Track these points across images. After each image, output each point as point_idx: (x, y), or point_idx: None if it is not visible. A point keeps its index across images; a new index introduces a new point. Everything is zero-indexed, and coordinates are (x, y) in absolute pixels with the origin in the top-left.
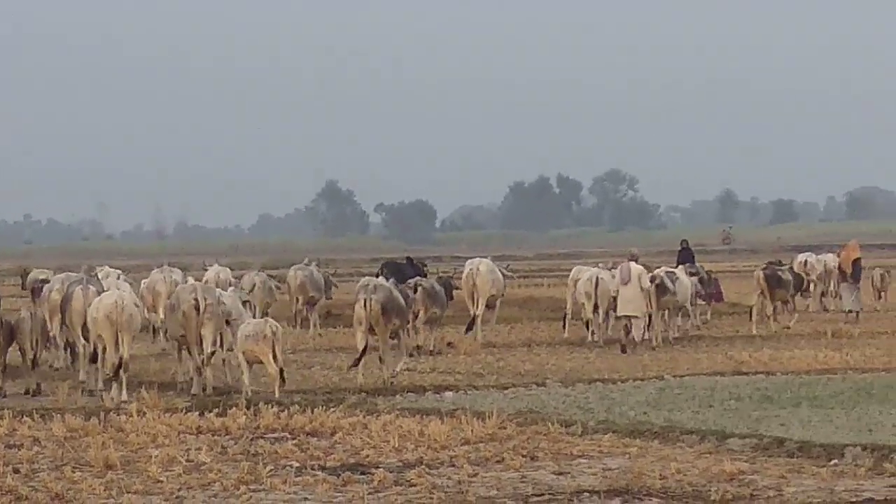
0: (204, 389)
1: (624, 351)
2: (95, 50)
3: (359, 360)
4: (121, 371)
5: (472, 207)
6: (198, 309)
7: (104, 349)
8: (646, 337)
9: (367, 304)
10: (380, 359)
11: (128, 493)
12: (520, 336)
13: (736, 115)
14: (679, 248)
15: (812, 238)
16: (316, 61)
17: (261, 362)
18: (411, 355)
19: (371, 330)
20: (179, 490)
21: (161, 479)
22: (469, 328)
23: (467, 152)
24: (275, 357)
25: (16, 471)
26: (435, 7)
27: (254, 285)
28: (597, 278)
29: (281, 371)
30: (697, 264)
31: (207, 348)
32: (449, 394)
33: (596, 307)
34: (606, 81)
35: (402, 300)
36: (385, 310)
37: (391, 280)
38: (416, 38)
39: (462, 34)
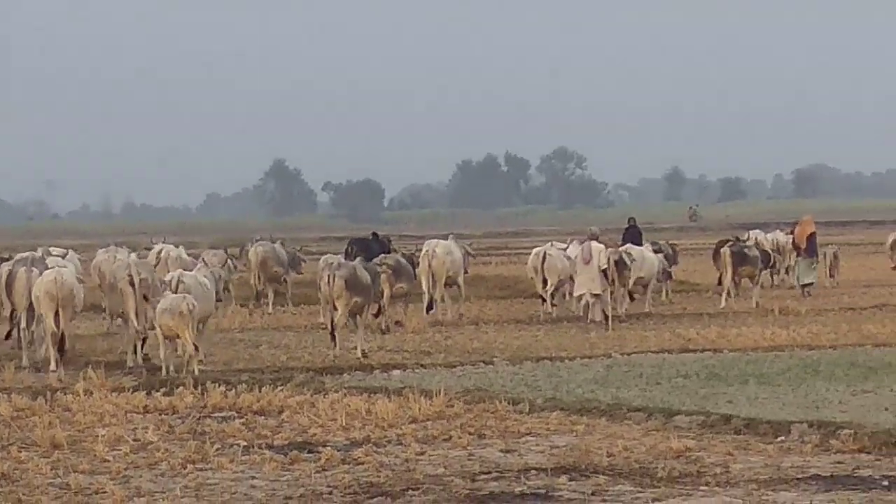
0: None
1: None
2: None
3: (333, 337)
4: (59, 347)
5: (421, 186)
6: (132, 285)
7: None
8: (608, 314)
9: (331, 281)
10: (331, 336)
11: (74, 472)
12: (467, 314)
13: (680, 93)
14: (626, 227)
15: (760, 215)
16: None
17: (178, 337)
18: (384, 332)
19: (334, 307)
20: (126, 469)
21: (108, 458)
22: (428, 308)
23: (415, 131)
24: (189, 334)
25: None
26: None
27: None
28: (544, 254)
29: (196, 347)
30: (661, 241)
31: (139, 324)
32: (396, 372)
33: (545, 282)
34: (550, 60)
35: (367, 277)
36: (348, 286)
37: (357, 258)
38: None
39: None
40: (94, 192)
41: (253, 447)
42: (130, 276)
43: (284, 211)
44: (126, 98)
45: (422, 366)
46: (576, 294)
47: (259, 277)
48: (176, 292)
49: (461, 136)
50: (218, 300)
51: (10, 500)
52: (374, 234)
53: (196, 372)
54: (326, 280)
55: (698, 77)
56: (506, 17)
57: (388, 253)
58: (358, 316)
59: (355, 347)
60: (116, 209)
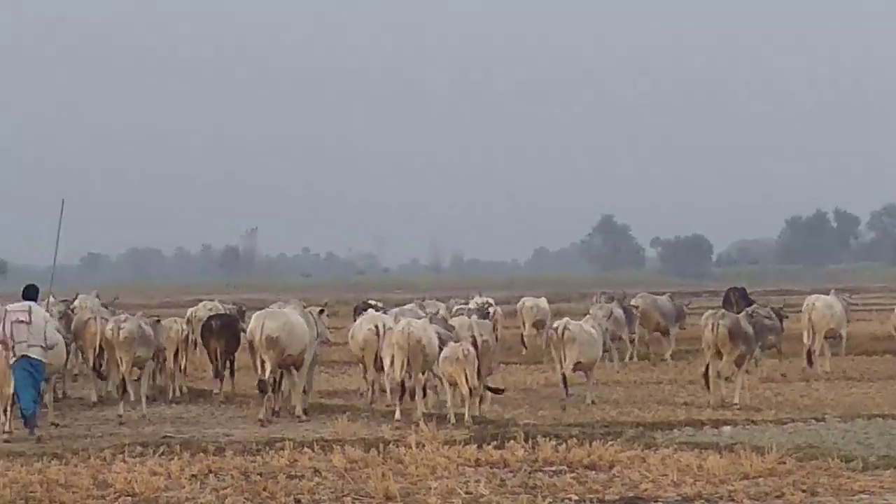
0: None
1: None
2: (371, 82)
3: (707, 381)
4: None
5: (749, 241)
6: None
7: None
8: None
9: (715, 329)
10: (706, 382)
11: None
12: (797, 370)
13: None
14: None
15: None
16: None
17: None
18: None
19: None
20: None
21: None
22: (809, 361)
23: (743, 186)
24: (467, 379)
25: (297, 501)
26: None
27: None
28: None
29: (471, 391)
30: None
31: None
32: (727, 428)
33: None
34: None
35: (749, 328)
36: (732, 335)
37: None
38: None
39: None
40: (423, 246)
41: (584, 502)
42: (375, 328)
43: (612, 266)
44: (459, 154)
45: (752, 422)
46: None
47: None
48: (562, 339)
49: (789, 192)
50: (605, 350)
51: None
52: (736, 289)
53: (474, 414)
54: (710, 328)
55: None
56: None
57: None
58: (738, 365)
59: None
60: (445, 263)
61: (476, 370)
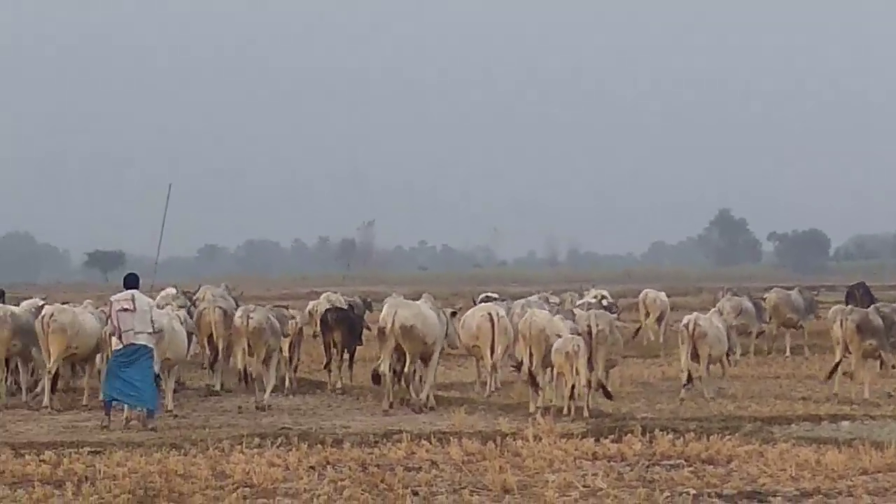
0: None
1: None
2: (485, 76)
3: (831, 372)
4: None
5: (866, 236)
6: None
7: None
8: None
9: (843, 324)
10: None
11: None
12: None
13: None
14: None
15: None
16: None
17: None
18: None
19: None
20: None
21: (558, 503)
22: None
23: (861, 180)
24: (576, 371)
25: (414, 493)
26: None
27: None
28: None
29: (599, 384)
30: None
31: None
32: (846, 423)
33: None
34: None
35: (879, 323)
36: (860, 330)
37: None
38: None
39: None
40: (540, 239)
41: (703, 496)
42: (589, 328)
43: (729, 260)
44: (572, 146)
45: (871, 417)
46: None
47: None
48: (693, 335)
49: None
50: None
51: None
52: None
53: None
54: (839, 323)
55: None
56: None
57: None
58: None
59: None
60: (562, 256)
61: (586, 363)
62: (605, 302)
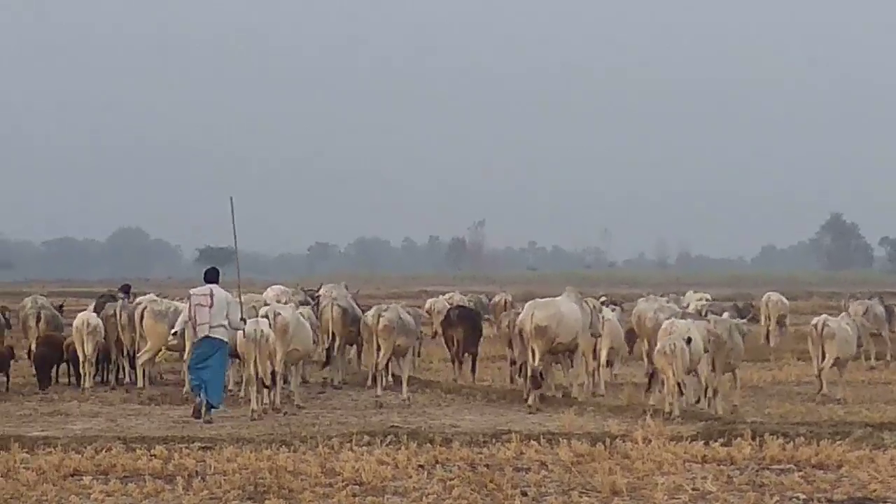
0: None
1: None
2: (595, 80)
3: None
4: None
5: None
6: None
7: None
8: None
9: None
10: None
11: None
12: None
13: None
14: None
15: None
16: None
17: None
18: None
19: None
20: None
21: None
22: None
23: None
24: (674, 373)
25: (523, 493)
26: None
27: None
28: None
29: (707, 386)
30: None
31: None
32: None
33: None
34: None
35: None
36: None
37: None
38: None
39: None
40: (650, 241)
41: (812, 501)
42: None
43: (840, 265)
44: (686, 150)
45: None
46: None
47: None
48: (822, 335)
49: None
50: (859, 347)
51: None
52: None
53: (718, 410)
54: None
55: None
56: None
57: None
58: None
59: None
60: (671, 259)
61: (682, 366)
62: (734, 306)
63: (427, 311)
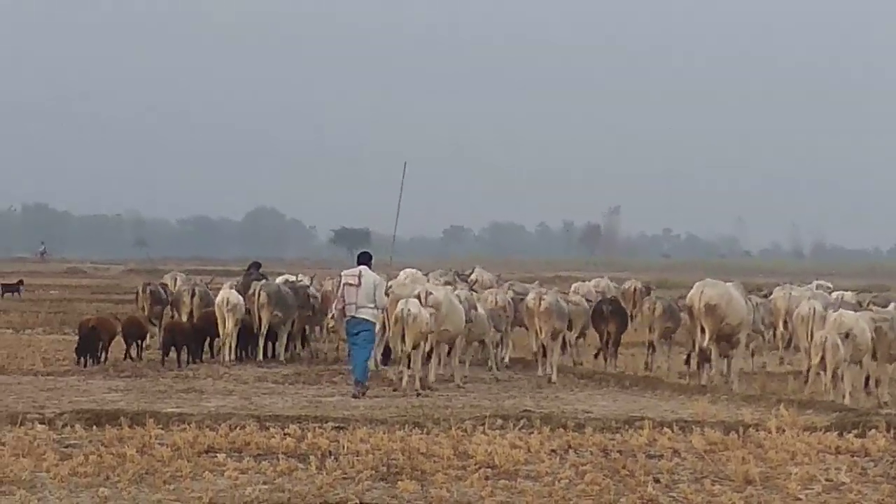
0: None
1: None
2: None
3: None
4: None
5: None
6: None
7: None
8: None
9: None
10: None
11: None
12: None
13: None
14: None
15: None
16: None
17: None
18: None
19: None
20: None
21: (800, 497)
22: None
23: None
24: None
25: (656, 480)
26: None
27: None
28: None
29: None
30: None
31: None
32: None
33: None
34: None
35: None
36: None
37: None
38: None
39: None
40: (785, 231)
41: None
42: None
43: None
44: (823, 137)
45: None
46: None
47: None
48: None
49: None
50: None
51: None
52: None
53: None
54: None
55: None
56: None
57: None
58: None
59: None
60: (806, 249)
61: (836, 359)
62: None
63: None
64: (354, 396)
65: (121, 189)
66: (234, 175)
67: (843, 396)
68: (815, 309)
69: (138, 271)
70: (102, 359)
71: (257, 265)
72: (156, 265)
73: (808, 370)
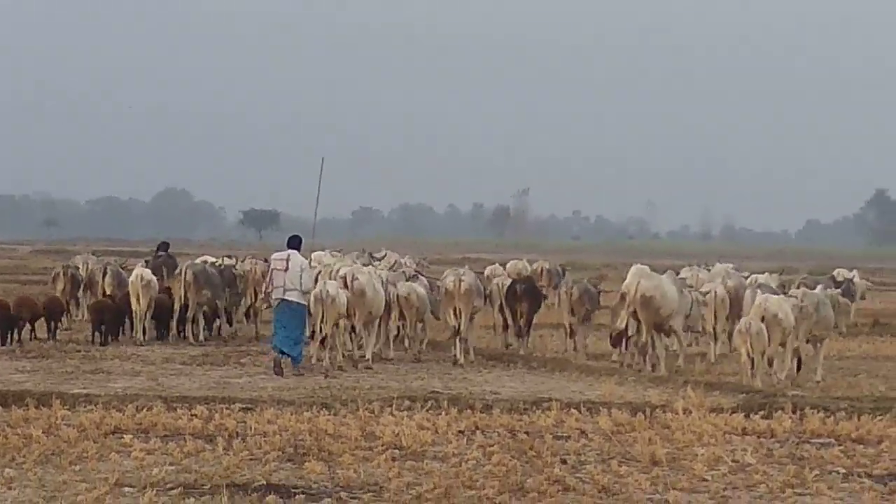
0: None
1: None
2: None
3: None
4: None
5: None
6: None
7: None
8: None
9: None
10: None
11: (674, 489)
12: None
13: None
14: None
15: None
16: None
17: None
18: None
19: None
20: (724, 490)
21: (706, 477)
22: None
23: None
24: (748, 352)
25: (563, 461)
26: None
27: None
28: None
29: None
30: None
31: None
32: None
33: None
34: None
35: None
36: None
37: None
38: None
39: None
40: (695, 213)
41: (852, 475)
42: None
43: (884, 241)
44: (731, 123)
45: None
46: None
47: None
48: None
49: None
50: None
51: None
52: None
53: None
54: None
55: None
56: None
57: None
58: None
59: None
60: (716, 231)
61: (760, 344)
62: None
63: (487, 277)
64: (297, 374)
65: (30, 170)
66: (143, 156)
67: (754, 377)
68: (716, 292)
69: (47, 252)
70: (17, 339)
71: (166, 245)
72: (64, 246)
73: (717, 353)
